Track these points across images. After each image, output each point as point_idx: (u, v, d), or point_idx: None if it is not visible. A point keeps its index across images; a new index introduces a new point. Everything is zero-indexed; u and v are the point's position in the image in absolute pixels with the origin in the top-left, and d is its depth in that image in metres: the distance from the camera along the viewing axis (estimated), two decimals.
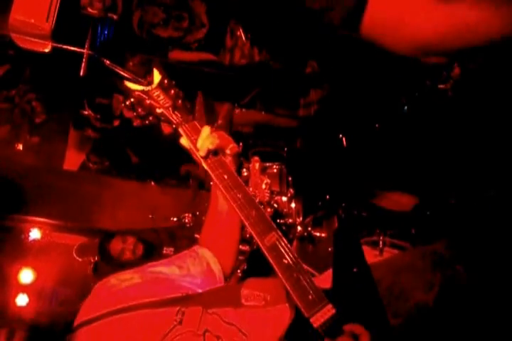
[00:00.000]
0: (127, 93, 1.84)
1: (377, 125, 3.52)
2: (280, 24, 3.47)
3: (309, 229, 3.42)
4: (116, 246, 3.60)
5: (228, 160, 1.77)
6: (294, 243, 3.37)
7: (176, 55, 4.05)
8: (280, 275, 1.55)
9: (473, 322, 1.96)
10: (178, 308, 1.52)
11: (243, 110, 3.65)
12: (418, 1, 1.98)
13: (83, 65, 3.75)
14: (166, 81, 1.87)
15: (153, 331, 1.47)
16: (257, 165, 3.39)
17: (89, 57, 3.78)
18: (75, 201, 4.17)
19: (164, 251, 3.73)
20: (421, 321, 1.99)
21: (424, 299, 2.00)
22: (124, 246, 3.59)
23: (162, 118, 1.84)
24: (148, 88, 1.85)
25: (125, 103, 1.84)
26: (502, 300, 2.01)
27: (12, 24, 3.85)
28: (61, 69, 4.15)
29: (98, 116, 4.18)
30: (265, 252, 1.58)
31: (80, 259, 3.98)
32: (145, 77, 1.88)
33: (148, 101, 1.84)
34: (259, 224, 1.63)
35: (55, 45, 3.89)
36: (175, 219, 3.90)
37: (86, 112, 4.26)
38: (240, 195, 1.68)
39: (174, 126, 1.81)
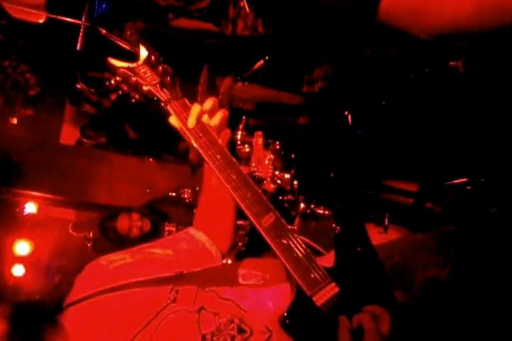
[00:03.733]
0: (112, 70, 1.77)
1: (383, 102, 3.49)
2: None
3: (312, 206, 3.40)
4: (123, 224, 3.57)
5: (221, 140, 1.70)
6: (297, 220, 3.35)
7: (177, 22, 3.96)
8: (279, 255, 1.50)
9: (487, 300, 1.95)
10: (171, 287, 1.47)
11: (245, 84, 3.57)
12: None
13: (80, 38, 3.65)
14: (153, 57, 1.81)
15: (145, 309, 1.41)
16: (260, 140, 3.35)
17: (86, 29, 3.67)
18: (71, 175, 4.10)
19: (166, 228, 3.69)
20: (434, 297, 1.98)
21: (437, 275, 1.99)
22: (131, 224, 3.57)
23: (149, 96, 1.77)
24: (134, 65, 1.79)
25: (109, 81, 1.78)
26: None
27: None
28: (56, 41, 4.05)
29: (92, 90, 4.08)
30: (263, 233, 1.53)
31: (76, 234, 3.94)
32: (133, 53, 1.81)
33: (134, 79, 1.78)
34: (255, 205, 1.57)
35: (49, 15, 3.79)
36: (173, 194, 3.86)
37: (79, 86, 4.16)
38: (234, 176, 1.61)
39: (162, 103, 1.73)
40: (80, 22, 3.71)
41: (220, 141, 1.67)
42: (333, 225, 1.83)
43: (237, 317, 1.46)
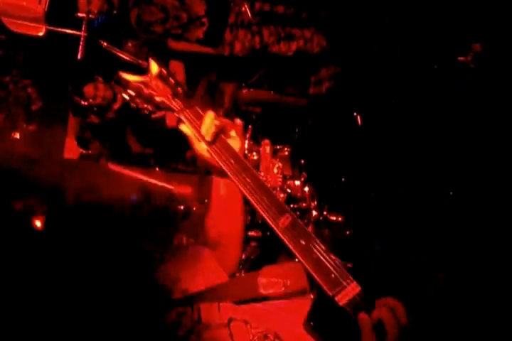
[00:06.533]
0: (123, 84, 1.82)
1: (393, 101, 3.41)
2: None
3: (325, 213, 3.30)
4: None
5: (236, 141, 1.77)
6: (310, 228, 3.26)
7: (176, 44, 3.95)
8: (298, 256, 1.51)
9: None
10: (190, 307, 1.46)
11: (251, 90, 3.51)
12: None
13: (80, 47, 3.60)
14: (164, 71, 1.85)
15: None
16: (268, 148, 3.28)
17: (87, 40, 3.62)
18: (75, 190, 4.03)
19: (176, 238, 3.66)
20: None
21: None
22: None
23: (162, 106, 1.83)
24: (147, 78, 1.83)
25: (122, 95, 1.84)
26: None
27: (3, 8, 3.72)
28: (57, 53, 4.01)
29: (87, 103, 4.04)
30: (280, 235, 1.54)
31: None
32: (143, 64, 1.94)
33: (146, 91, 1.82)
34: (271, 207, 1.58)
35: (49, 28, 3.74)
36: (182, 207, 3.81)
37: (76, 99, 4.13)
38: (248, 179, 1.64)
39: (175, 113, 1.81)
40: (80, 33, 3.64)
41: (232, 147, 1.72)
42: (347, 232, 1.81)
43: (271, 332, 1.46)
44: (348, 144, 3.56)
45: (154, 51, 3.95)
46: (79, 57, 3.57)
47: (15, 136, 4.33)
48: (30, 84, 4.25)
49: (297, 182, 3.30)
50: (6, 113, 4.26)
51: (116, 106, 3.95)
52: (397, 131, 3.40)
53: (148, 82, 1.82)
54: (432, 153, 3.28)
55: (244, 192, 1.63)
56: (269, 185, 3.23)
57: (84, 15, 3.65)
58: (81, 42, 3.61)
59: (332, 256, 1.50)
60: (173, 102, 1.81)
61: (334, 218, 3.29)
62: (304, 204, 3.29)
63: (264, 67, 3.57)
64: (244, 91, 3.57)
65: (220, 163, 1.69)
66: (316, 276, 1.46)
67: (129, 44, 3.91)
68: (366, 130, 3.48)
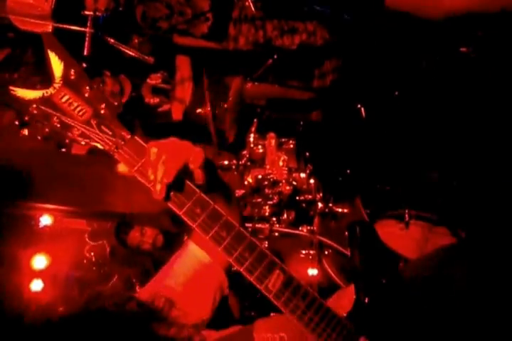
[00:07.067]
0: (20, 109, 1.26)
1: (396, 92, 3.43)
2: None
3: (330, 205, 3.32)
4: (134, 238, 3.56)
5: (198, 177, 1.30)
6: (316, 219, 3.28)
7: (181, 39, 3.98)
8: (298, 324, 1.34)
9: None
10: None
11: (255, 84, 3.53)
12: None
13: (86, 44, 3.62)
14: (72, 71, 1.24)
15: None
16: (273, 141, 3.30)
17: (93, 36, 3.65)
18: (85, 185, 4.03)
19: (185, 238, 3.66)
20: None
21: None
22: (142, 239, 3.54)
23: (83, 143, 1.24)
24: (50, 91, 1.23)
25: (20, 126, 1.29)
26: None
27: (10, 6, 3.76)
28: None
29: None
30: (273, 301, 1.31)
31: (94, 243, 3.89)
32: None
33: (55, 119, 1.23)
34: (256, 265, 1.29)
35: (55, 25, 3.77)
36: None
37: None
38: (223, 233, 1.28)
39: (106, 152, 1.25)
40: (86, 29, 3.67)
41: (195, 188, 1.29)
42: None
43: None
44: (353, 136, 3.57)
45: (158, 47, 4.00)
46: (85, 53, 3.60)
47: (23, 133, 4.37)
48: (38, 82, 4.29)
49: (303, 175, 3.31)
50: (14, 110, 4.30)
51: (123, 99, 3.99)
52: (401, 122, 3.42)
53: (53, 97, 1.21)
54: (435, 144, 3.30)
55: (221, 251, 1.29)
56: (276, 177, 3.28)
57: (91, 13, 3.66)
58: (87, 39, 3.64)
59: (335, 318, 1.38)
60: (100, 134, 1.21)
61: (340, 210, 3.31)
62: (309, 197, 3.31)
63: (268, 61, 3.58)
64: (249, 85, 3.58)
65: (182, 217, 1.28)
66: None
67: (135, 40, 3.94)
68: (370, 122, 3.50)
